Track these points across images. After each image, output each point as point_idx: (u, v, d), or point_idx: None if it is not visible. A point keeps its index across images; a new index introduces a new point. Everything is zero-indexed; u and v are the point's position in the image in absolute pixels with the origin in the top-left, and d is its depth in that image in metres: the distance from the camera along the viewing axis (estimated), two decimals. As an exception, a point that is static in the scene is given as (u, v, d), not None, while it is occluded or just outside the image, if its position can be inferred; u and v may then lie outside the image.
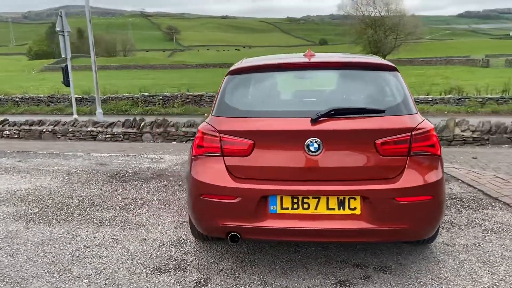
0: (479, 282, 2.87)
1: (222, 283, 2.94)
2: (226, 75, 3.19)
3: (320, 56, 3.29)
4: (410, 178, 2.70)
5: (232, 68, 3.21)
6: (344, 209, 2.70)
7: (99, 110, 12.88)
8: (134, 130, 10.46)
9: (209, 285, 2.92)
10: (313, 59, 3.15)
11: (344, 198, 2.70)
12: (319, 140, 2.70)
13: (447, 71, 45.34)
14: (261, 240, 3.34)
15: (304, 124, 2.75)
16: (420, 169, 2.74)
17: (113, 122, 10.83)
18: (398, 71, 3.07)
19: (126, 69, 62.38)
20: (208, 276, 3.04)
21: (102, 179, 5.72)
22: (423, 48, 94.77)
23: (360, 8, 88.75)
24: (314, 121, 2.73)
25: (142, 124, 10.50)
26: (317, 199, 2.72)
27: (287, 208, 2.75)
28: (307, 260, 3.23)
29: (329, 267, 3.10)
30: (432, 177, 2.74)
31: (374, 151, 2.72)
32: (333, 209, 2.71)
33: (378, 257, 3.24)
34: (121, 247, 3.55)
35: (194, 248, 3.51)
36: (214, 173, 2.86)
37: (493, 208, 4.27)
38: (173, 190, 5.13)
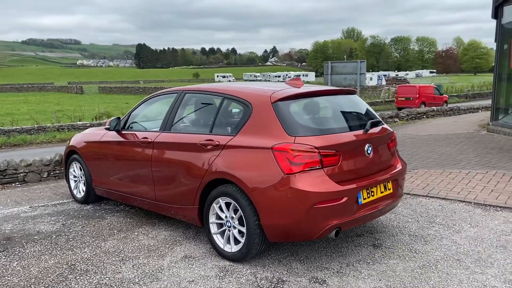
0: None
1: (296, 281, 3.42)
2: (276, 101, 3.56)
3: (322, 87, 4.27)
4: (402, 163, 4.21)
5: (282, 95, 3.61)
6: (386, 190, 3.88)
7: None
8: None
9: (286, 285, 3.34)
10: (327, 88, 4.14)
11: (386, 182, 3.88)
12: (371, 145, 3.76)
13: (50, 97, 45.49)
14: (350, 228, 3.96)
15: (362, 135, 3.72)
16: (399, 156, 4.29)
17: None
18: None
19: None
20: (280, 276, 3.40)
21: None
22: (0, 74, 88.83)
23: None
24: (365, 132, 3.75)
25: None
26: (376, 187, 3.76)
27: (365, 198, 3.64)
28: (337, 241, 4.08)
29: (350, 242, 4.10)
30: (402, 160, 4.36)
31: (387, 148, 4.04)
32: (383, 192, 3.83)
33: (363, 226, 4.49)
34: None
35: (248, 265, 3.54)
36: (323, 183, 3.35)
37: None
38: (95, 241, 4.18)
